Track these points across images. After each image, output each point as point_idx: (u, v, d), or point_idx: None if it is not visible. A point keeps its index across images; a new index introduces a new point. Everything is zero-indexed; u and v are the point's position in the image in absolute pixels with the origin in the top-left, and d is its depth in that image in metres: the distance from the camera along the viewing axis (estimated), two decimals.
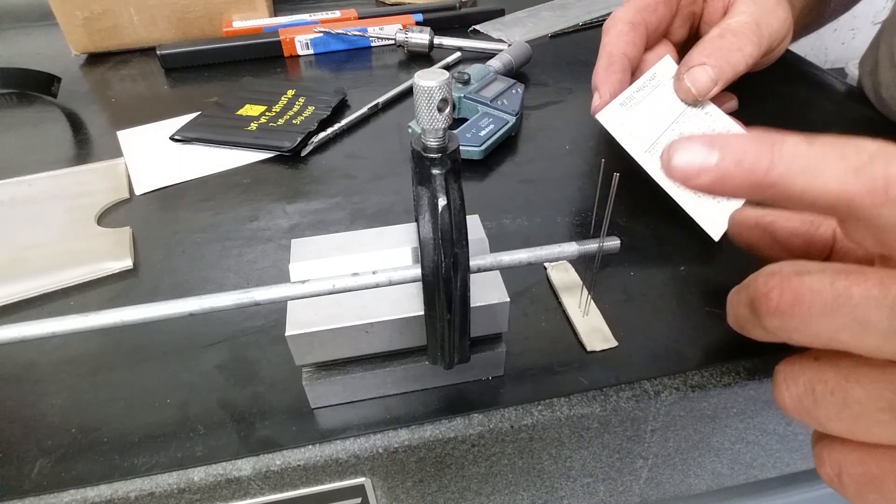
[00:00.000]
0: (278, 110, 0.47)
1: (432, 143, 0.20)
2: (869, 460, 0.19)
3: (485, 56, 0.57)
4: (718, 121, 0.35)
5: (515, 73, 0.52)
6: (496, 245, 0.25)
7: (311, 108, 0.47)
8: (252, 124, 0.45)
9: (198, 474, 0.23)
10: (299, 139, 0.43)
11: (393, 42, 0.59)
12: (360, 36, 0.59)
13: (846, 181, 0.17)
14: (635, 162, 0.33)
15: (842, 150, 0.17)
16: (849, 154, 0.17)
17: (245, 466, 0.23)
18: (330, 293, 0.21)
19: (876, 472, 0.19)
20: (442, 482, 0.26)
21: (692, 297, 0.30)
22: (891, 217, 0.17)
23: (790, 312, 0.19)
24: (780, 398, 0.21)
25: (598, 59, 0.36)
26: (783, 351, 0.27)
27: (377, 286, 0.21)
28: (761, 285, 0.20)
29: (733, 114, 0.39)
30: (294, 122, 0.45)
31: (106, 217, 0.37)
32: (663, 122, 0.34)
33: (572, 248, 0.23)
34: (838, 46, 1.76)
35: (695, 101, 0.35)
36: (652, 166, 0.32)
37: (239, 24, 0.61)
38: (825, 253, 0.26)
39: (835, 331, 0.18)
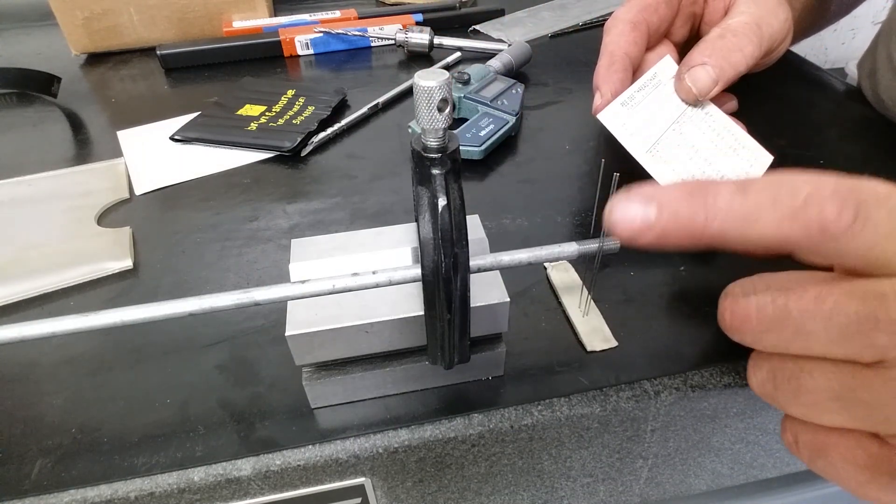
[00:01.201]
0: (278, 110, 0.47)
1: (432, 143, 0.20)
2: (818, 435, 0.21)
3: (485, 56, 0.57)
4: (719, 121, 0.35)
5: (515, 73, 0.52)
6: (496, 245, 0.25)
7: (311, 108, 0.47)
8: (252, 124, 0.45)
9: (198, 474, 0.23)
10: (299, 139, 0.43)
11: (393, 42, 0.59)
12: (360, 36, 0.59)
13: (783, 226, 0.18)
14: (636, 162, 0.33)
15: (776, 196, 0.18)
16: (783, 199, 0.18)
17: (245, 466, 0.23)
18: (330, 293, 0.21)
19: (822, 444, 0.21)
20: (442, 482, 0.26)
21: (692, 297, 0.30)
22: (834, 249, 0.18)
23: (742, 329, 0.21)
24: (749, 381, 0.23)
25: (600, 59, 0.36)
26: None
27: (377, 286, 0.21)
28: (720, 305, 0.22)
29: (733, 114, 0.39)
30: (294, 122, 0.45)
31: (106, 217, 0.37)
32: (664, 121, 0.34)
33: (572, 248, 0.23)
34: (838, 46, 1.76)
35: (695, 101, 0.35)
36: (653, 166, 0.32)
37: (239, 24, 0.61)
38: None
39: (783, 341, 0.20)
